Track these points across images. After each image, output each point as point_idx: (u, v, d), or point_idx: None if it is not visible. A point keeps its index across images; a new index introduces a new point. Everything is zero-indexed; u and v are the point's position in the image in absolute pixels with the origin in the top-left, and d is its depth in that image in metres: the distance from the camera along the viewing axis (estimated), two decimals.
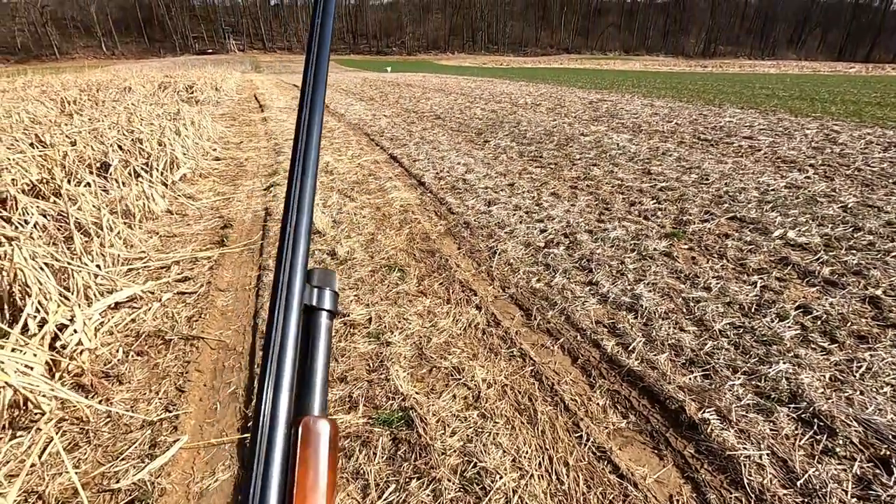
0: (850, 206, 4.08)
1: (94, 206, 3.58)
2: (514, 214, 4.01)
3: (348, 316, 2.54)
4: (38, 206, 3.61)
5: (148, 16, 75.57)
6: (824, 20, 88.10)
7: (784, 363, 2.09)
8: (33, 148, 5.03)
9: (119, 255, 3.11)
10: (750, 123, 8.31)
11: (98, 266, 2.81)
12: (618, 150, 6.31)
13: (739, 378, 2.02)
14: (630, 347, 2.25)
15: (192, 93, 13.12)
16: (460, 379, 2.07)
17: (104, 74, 19.89)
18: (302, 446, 0.32)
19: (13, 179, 3.93)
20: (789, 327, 2.37)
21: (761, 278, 2.86)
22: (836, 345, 2.24)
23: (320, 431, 0.33)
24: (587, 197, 4.46)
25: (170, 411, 1.93)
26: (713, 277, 2.88)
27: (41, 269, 2.38)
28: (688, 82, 20.02)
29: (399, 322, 2.50)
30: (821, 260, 3.08)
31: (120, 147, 5.29)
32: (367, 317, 2.55)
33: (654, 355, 2.18)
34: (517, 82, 19.86)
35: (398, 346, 2.29)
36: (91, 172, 4.50)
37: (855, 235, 3.46)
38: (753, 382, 2.01)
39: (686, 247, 3.36)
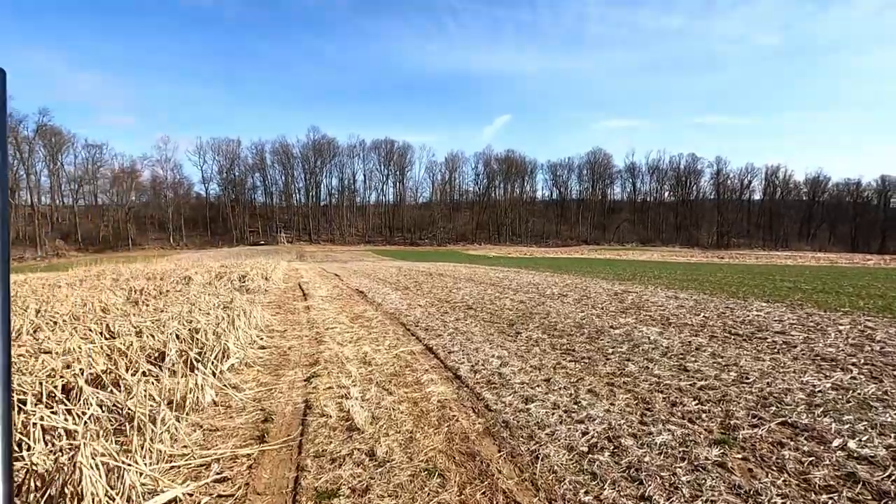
0: None
1: (147, 395, 3.76)
2: (554, 413, 3.96)
3: None
4: (97, 397, 3.81)
5: (214, 214, 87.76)
6: (829, 217, 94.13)
7: None
8: (102, 338, 5.50)
9: (165, 451, 3.15)
10: (779, 318, 8.40)
11: (146, 464, 2.85)
12: (650, 345, 6.39)
13: None
14: None
15: (244, 282, 14.41)
16: None
17: (168, 263, 22.27)
18: None
19: (81, 370, 4.23)
20: None
21: (831, 498, 2.64)
22: None
23: None
24: (626, 395, 4.41)
25: None
26: (777, 495, 2.68)
27: (96, 467, 2.45)
28: (707, 274, 20.81)
29: None
30: (893, 477, 2.85)
31: (177, 336, 5.72)
32: None
33: None
34: (542, 273, 21.06)
35: None
36: (149, 362, 4.81)
37: None
38: None
39: (740, 456, 3.18)
